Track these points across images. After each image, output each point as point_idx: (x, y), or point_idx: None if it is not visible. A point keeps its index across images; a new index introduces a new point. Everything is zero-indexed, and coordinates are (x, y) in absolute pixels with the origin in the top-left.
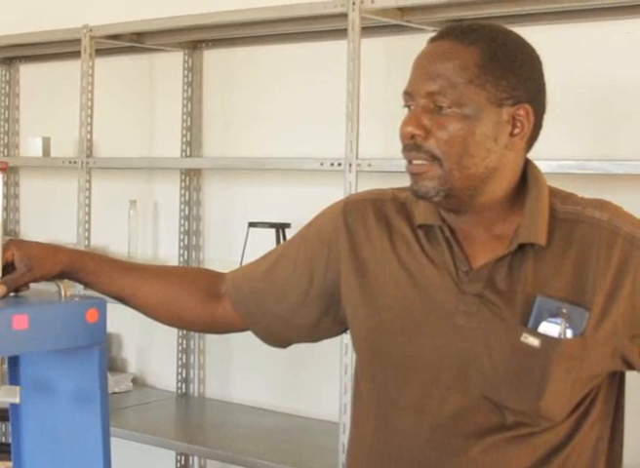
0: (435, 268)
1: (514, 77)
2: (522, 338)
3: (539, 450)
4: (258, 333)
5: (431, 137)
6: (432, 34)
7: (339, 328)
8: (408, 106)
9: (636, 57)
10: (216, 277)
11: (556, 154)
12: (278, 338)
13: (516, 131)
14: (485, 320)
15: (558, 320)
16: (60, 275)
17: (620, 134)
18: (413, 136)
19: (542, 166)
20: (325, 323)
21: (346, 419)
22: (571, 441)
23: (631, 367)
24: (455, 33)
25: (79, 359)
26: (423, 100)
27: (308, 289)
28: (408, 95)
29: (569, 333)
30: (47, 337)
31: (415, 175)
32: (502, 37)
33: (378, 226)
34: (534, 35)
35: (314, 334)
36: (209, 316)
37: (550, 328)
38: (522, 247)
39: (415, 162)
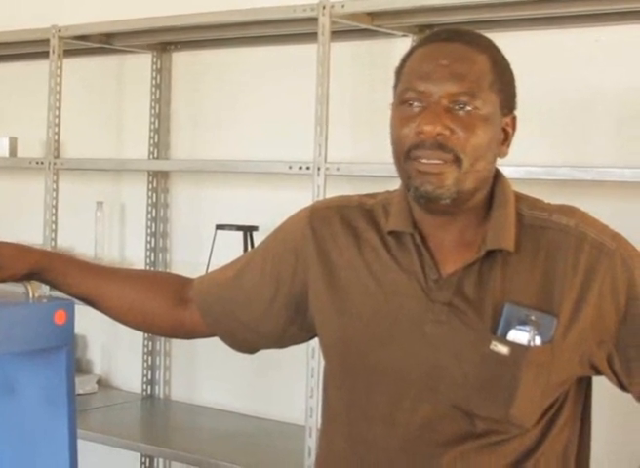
0: (404, 276)
1: (513, 87)
2: (491, 346)
3: (509, 457)
4: (224, 340)
5: (454, 137)
6: (429, 37)
7: (306, 335)
8: (410, 104)
9: (604, 64)
10: (183, 282)
11: (525, 160)
12: (244, 345)
13: (505, 140)
14: (454, 328)
15: (527, 327)
16: (29, 275)
17: (589, 140)
18: (437, 135)
19: (511, 171)
20: (291, 330)
21: (312, 423)
22: (540, 446)
23: (599, 372)
24: (465, 38)
25: (47, 360)
26: (444, 100)
27: (274, 296)
28: (420, 93)
29: (537, 341)
30: (14, 339)
31: (429, 175)
32: (497, 46)
33: (344, 233)
34: (502, 42)
35: (281, 342)
36: (175, 321)
37: (519, 335)
38: (490, 253)
39: (433, 161)
